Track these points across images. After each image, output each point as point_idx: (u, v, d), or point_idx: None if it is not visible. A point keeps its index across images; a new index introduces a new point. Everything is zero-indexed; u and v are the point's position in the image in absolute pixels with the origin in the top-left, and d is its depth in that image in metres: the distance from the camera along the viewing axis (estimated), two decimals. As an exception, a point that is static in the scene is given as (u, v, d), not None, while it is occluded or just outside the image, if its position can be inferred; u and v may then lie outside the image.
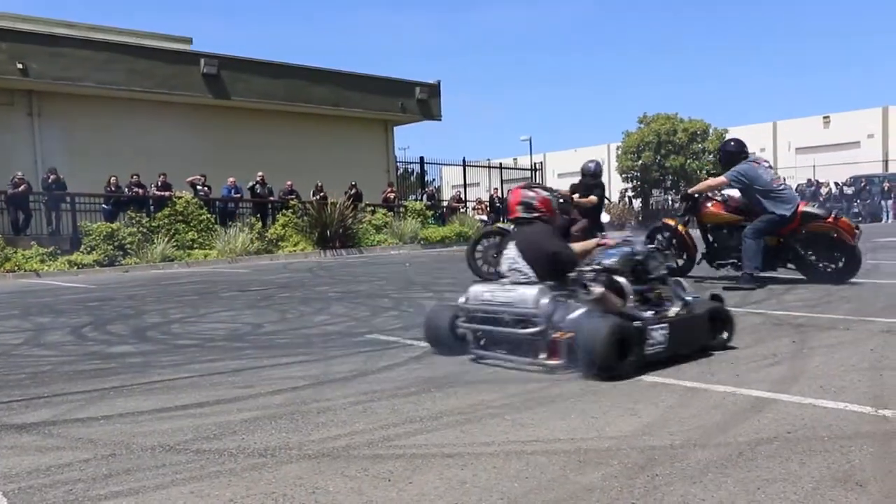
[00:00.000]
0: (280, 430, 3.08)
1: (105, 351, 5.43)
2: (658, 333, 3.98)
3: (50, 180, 17.32)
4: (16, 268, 14.79)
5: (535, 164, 34.59)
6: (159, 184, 18.80)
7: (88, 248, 16.25)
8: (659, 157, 36.62)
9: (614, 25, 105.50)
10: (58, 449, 2.95)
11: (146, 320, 7.03)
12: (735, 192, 8.39)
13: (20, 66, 18.45)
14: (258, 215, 20.34)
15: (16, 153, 18.59)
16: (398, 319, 6.62)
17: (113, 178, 18.17)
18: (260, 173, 20.82)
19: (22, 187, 16.80)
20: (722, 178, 8.27)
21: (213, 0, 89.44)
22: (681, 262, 8.76)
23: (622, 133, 39.61)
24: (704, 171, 34.51)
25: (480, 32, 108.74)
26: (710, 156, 34.76)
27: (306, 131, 24.78)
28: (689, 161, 35.87)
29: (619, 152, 39.24)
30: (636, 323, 3.92)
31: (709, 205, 8.64)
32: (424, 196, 26.33)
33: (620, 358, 3.74)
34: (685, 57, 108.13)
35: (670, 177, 36.97)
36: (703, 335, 4.36)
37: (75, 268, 15.35)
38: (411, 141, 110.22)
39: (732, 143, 8.56)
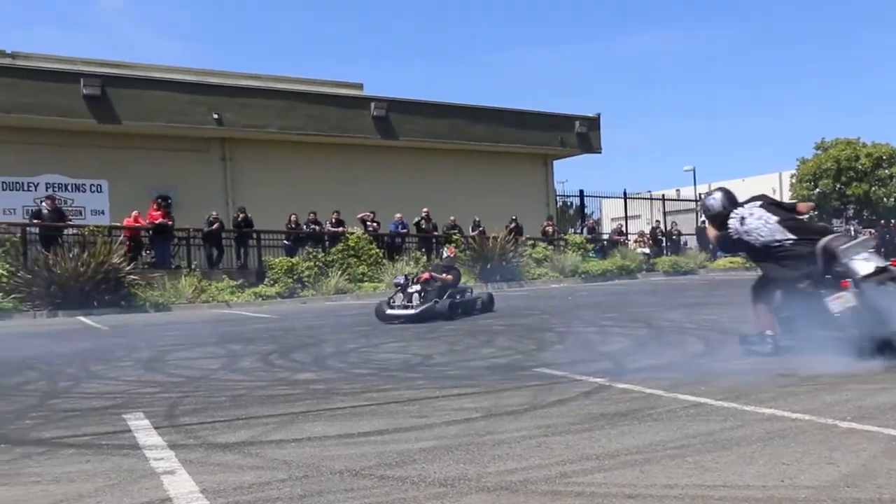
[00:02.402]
0: (457, 460, 3.17)
1: (291, 377, 5.83)
2: None
3: (239, 219, 18.96)
4: (210, 298, 16.25)
5: (699, 194, 33.24)
6: (333, 220, 20.00)
7: (271, 281, 17.55)
8: (839, 185, 33.97)
9: (779, 49, 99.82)
10: (257, 468, 3.20)
11: (325, 349, 7.46)
12: None
13: (216, 116, 20.49)
14: (423, 249, 21.03)
15: (211, 194, 20.60)
16: (565, 354, 6.58)
17: (293, 216, 19.58)
18: (425, 209, 21.57)
19: (215, 225, 18.50)
20: None
21: (383, 46, 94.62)
22: None
23: (796, 160, 37.26)
24: (893, 199, 31.60)
25: (637, 60, 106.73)
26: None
27: (468, 167, 25.41)
28: (874, 188, 32.99)
29: (794, 181, 36.81)
30: None
31: None
32: (584, 229, 26.06)
33: None
34: (865, 79, 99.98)
35: (852, 205, 34.15)
36: None
37: (260, 299, 16.61)
38: (570, 174, 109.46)
39: None
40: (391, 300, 10.43)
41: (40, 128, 18.79)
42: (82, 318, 13.70)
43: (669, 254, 26.00)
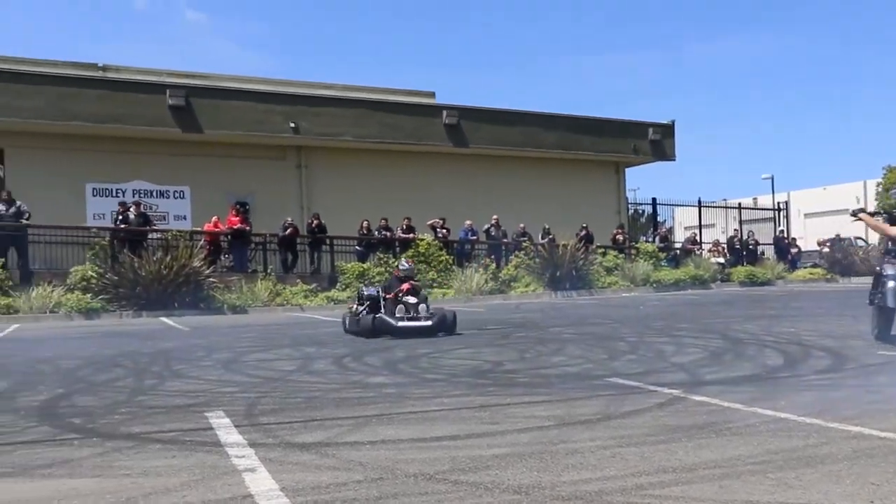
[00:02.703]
0: (531, 468, 3.17)
1: (364, 381, 5.93)
2: None
3: (313, 224, 19.40)
4: (284, 302, 16.66)
5: (777, 203, 32.18)
6: (404, 227, 20.22)
7: (343, 286, 17.86)
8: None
9: (861, 53, 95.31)
10: (334, 469, 3.28)
11: (396, 354, 7.55)
12: None
13: (292, 125, 21.05)
14: (492, 256, 21.02)
15: (287, 201, 21.16)
16: (637, 364, 6.49)
17: (365, 222, 19.90)
18: (494, 216, 21.57)
19: (290, 231, 18.98)
20: None
21: (455, 55, 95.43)
22: None
23: (883, 168, 35.62)
24: None
25: (713, 66, 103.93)
26: None
27: (538, 175, 25.29)
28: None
29: (880, 189, 35.15)
30: None
31: None
32: (657, 238, 25.54)
33: None
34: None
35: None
36: None
37: (332, 303, 16.93)
38: (642, 182, 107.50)
39: None
40: (392, 312, 9.43)
41: (129, 137, 19.68)
42: (164, 319, 14.27)
43: (745, 264, 25.23)
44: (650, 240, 25.25)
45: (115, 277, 15.41)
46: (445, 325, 9.30)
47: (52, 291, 14.85)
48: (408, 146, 22.87)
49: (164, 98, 19.57)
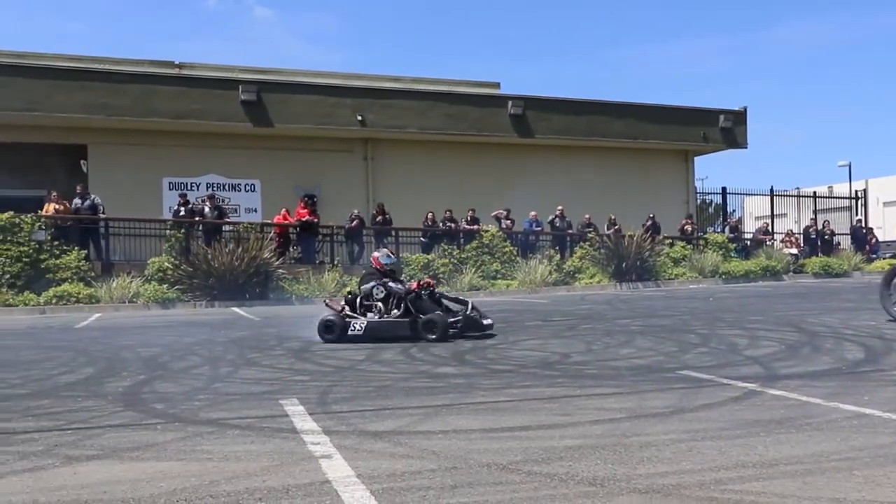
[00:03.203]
0: (605, 460, 3.14)
1: (432, 371, 5.98)
2: None
3: (377, 217, 19.62)
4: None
5: (855, 191, 30.86)
6: (469, 218, 20.25)
7: (408, 277, 18.00)
8: None
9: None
10: (407, 457, 3.32)
11: (463, 345, 7.56)
12: None
13: (359, 118, 21.30)
14: (557, 248, 20.85)
15: (353, 193, 21.46)
16: (709, 356, 6.35)
17: (430, 214, 20.00)
18: (559, 207, 21.38)
19: (355, 222, 19.24)
20: None
21: (519, 46, 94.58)
22: None
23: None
24: None
25: (788, 52, 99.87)
26: None
27: (605, 164, 24.92)
28: None
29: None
30: None
31: None
32: (726, 228, 24.85)
33: None
34: None
35: None
36: None
37: (397, 294, 17.10)
38: (710, 170, 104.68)
39: None
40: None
41: (203, 132, 20.27)
42: (236, 309, 14.69)
43: (820, 255, 24.33)
44: (719, 230, 24.59)
45: (190, 269, 15.93)
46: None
47: (131, 282, 15.47)
48: (472, 137, 22.84)
49: (236, 94, 20.07)
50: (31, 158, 19.40)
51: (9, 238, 15.42)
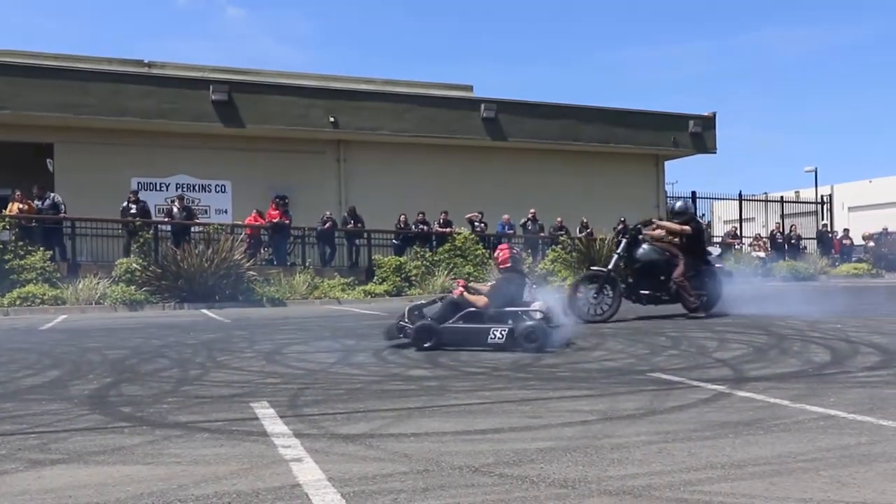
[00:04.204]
0: (576, 462, 3.16)
1: (404, 373, 5.96)
2: None
3: (349, 218, 19.55)
4: (322, 295, 16.83)
5: (821, 196, 31.48)
6: (441, 221, 20.26)
7: (380, 279, 17.98)
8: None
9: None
10: (379, 460, 3.31)
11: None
12: None
13: (332, 119, 21.23)
14: (529, 250, 20.95)
15: (325, 195, 21.37)
16: (680, 359, 6.41)
17: (402, 216, 19.98)
18: (532, 210, 21.50)
19: (328, 224, 19.15)
20: None
21: (491, 48, 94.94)
22: None
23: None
24: None
25: (755, 58, 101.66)
26: None
27: (576, 168, 25.14)
28: None
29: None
30: None
31: None
32: (697, 232, 25.14)
33: None
34: None
35: None
36: None
37: (369, 297, 17.05)
38: (680, 175, 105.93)
39: None
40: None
41: (173, 132, 20.05)
42: (206, 311, 14.50)
43: (787, 259, 24.76)
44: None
45: (159, 270, 15.71)
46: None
47: (98, 283, 15.21)
48: (445, 140, 22.91)
49: (207, 93, 19.89)
50: (-1, 157, 19.04)
51: (-29, 238, 15.09)
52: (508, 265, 7.99)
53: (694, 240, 10.35)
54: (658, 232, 10.48)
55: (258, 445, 3.61)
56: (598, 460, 3.17)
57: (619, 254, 9.90)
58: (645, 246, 10.21)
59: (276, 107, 20.66)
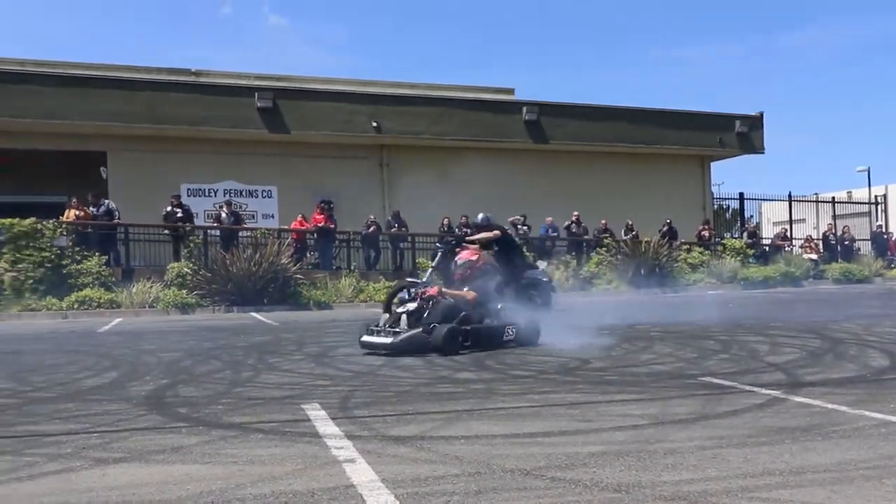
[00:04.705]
0: (629, 467, 3.14)
1: (452, 376, 5.99)
2: None
3: (393, 222, 19.69)
4: (368, 298, 16.97)
5: (875, 196, 30.59)
6: (484, 224, 20.25)
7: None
8: None
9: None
10: (431, 462, 3.33)
11: (482, 351, 7.55)
12: None
13: (375, 124, 21.41)
14: (573, 253, 20.83)
15: (369, 199, 21.54)
16: (731, 363, 6.32)
17: (446, 220, 20.04)
18: (575, 213, 21.36)
19: (372, 228, 19.32)
20: None
21: (533, 53, 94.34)
22: None
23: None
24: None
25: (804, 55, 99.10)
26: None
27: (620, 170, 24.87)
28: None
29: None
30: None
31: None
32: (744, 233, 24.71)
33: None
34: None
35: None
36: None
37: (413, 300, 17.13)
38: (726, 176, 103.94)
39: None
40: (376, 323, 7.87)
41: (220, 139, 20.46)
42: (254, 314, 14.76)
43: (840, 260, 24.13)
44: (737, 236, 24.46)
45: (209, 274, 16.05)
46: (420, 345, 7.28)
47: (151, 287, 15.61)
48: (488, 143, 22.89)
49: (252, 100, 20.24)
50: (53, 166, 19.64)
51: (31, 244, 15.60)
52: (481, 264, 8.49)
53: (506, 247, 10.23)
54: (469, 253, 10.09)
55: (311, 446, 3.67)
56: (652, 465, 3.15)
57: (433, 266, 9.76)
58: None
59: (319, 112, 20.93)
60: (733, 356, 6.74)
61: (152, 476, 3.21)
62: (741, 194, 26.82)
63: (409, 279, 9.77)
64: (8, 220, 15.62)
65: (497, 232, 9.97)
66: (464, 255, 8.59)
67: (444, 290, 8.02)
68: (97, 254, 16.27)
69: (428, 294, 7.77)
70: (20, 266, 15.29)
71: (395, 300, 8.44)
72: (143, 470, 3.32)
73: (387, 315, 7.97)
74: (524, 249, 19.81)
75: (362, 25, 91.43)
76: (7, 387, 5.85)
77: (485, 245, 9.88)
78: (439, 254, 9.82)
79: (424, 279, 8.88)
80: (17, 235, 15.51)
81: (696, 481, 2.89)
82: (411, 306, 7.73)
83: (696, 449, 3.39)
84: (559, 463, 3.23)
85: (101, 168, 20.11)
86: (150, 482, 3.11)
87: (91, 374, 6.54)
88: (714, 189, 28.80)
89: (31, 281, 15.31)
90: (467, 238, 9.99)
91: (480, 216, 10.67)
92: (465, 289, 8.08)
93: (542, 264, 9.88)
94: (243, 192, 21.11)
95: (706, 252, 22.20)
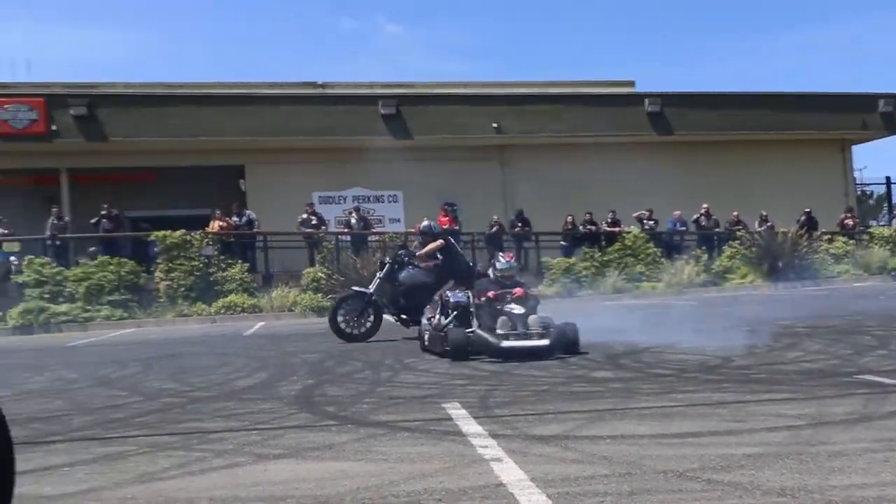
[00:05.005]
0: (790, 469, 3.00)
1: (588, 375, 5.93)
2: None
3: (516, 221, 19.68)
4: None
5: None
6: (609, 220, 19.88)
7: (550, 282, 17.95)
8: None
9: None
10: (578, 462, 3.32)
11: (616, 348, 7.43)
12: None
13: (495, 125, 21.50)
14: (703, 247, 20.05)
15: (491, 199, 21.62)
16: (891, 360, 5.89)
17: (569, 217, 19.82)
18: (704, 205, 20.54)
19: (495, 229, 19.40)
20: None
21: (653, 44, 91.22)
22: None
23: None
24: None
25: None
26: None
27: (751, 158, 23.63)
28: None
29: None
30: None
31: None
32: (893, 221, 22.88)
33: None
34: None
35: None
36: None
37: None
38: (869, 160, 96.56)
39: None
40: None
41: (347, 147, 21.19)
42: (387, 316, 15.13)
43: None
44: (885, 223, 22.69)
45: (341, 278, 16.66)
46: (565, 344, 7.08)
47: (289, 292, 16.43)
48: (609, 137, 22.38)
49: (376, 108, 20.84)
50: (198, 180, 21.04)
51: (182, 254, 16.80)
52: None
53: (449, 256, 9.64)
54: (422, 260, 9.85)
55: (457, 445, 3.74)
56: (816, 468, 2.99)
57: (380, 277, 9.71)
58: (410, 268, 9.74)
59: (441, 116, 21.24)
60: (893, 352, 6.28)
61: (310, 472, 3.38)
62: (888, 178, 24.89)
63: (354, 288, 10.65)
64: (161, 233, 16.89)
65: (441, 241, 9.89)
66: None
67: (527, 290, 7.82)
68: (240, 261, 17.30)
69: (518, 294, 7.52)
70: (173, 275, 16.51)
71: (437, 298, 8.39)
72: (300, 466, 3.51)
73: (504, 318, 7.22)
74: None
75: (474, 28, 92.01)
76: (171, 387, 6.34)
77: (432, 253, 9.87)
78: (386, 265, 9.93)
79: (372, 289, 9.71)
80: (170, 247, 16.75)
81: (869, 486, 2.72)
82: (521, 308, 7.29)
83: (863, 451, 3.19)
84: (714, 465, 3.13)
85: (240, 180, 21.34)
86: (308, 478, 3.28)
87: (243, 374, 6.97)
88: (856, 174, 26.86)
89: (182, 288, 16.49)
90: (417, 253, 9.98)
91: (424, 223, 10.54)
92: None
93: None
94: (370, 198, 21.77)
95: (850, 242, 20.75)
